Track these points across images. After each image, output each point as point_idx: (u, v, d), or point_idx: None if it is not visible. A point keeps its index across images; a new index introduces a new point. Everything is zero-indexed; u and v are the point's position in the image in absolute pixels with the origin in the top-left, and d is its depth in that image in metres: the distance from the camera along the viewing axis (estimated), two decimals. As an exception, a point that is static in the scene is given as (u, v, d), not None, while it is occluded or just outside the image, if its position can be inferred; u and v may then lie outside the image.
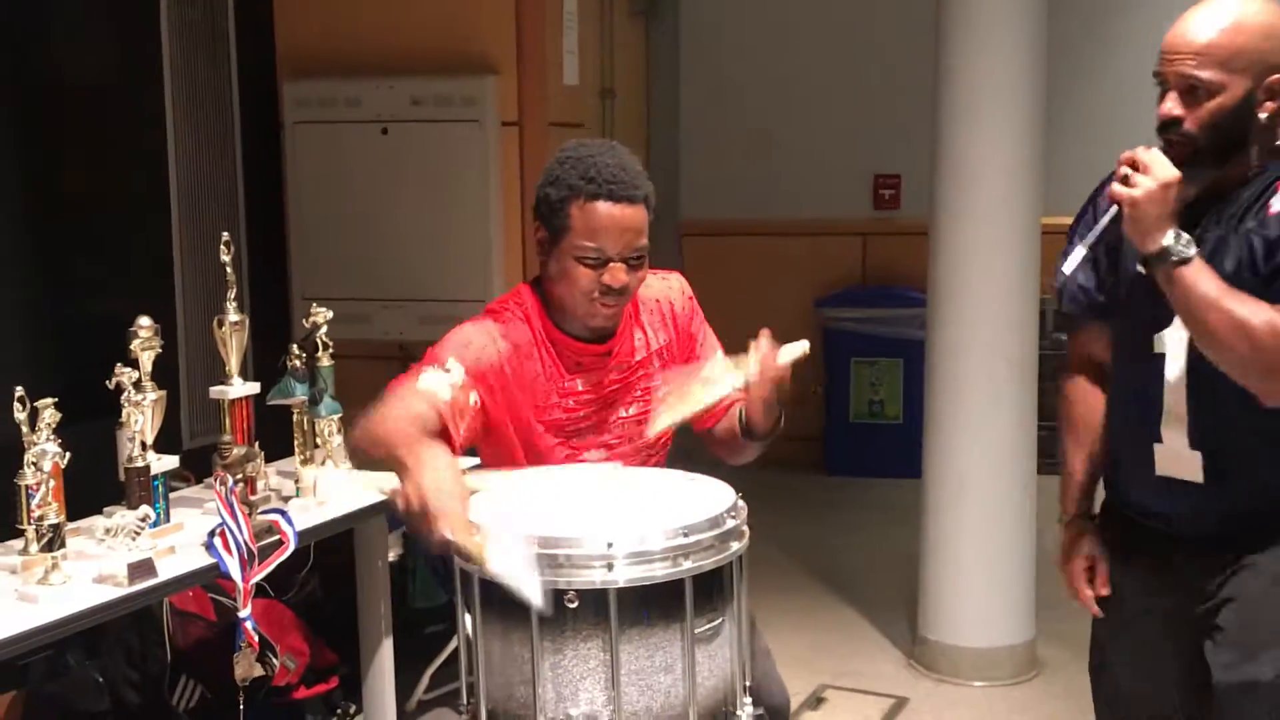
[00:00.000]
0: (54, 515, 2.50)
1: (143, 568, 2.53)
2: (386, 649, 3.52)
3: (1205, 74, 2.12)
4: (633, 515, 2.02)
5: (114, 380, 2.68)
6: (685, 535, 1.90)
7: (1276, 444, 2.17)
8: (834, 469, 6.80)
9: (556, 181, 2.29)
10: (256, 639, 2.76)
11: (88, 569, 2.55)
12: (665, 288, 2.57)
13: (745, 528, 2.02)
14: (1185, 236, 2.07)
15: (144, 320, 2.78)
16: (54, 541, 2.49)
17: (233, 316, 3.00)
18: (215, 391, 2.99)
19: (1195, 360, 2.16)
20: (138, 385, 2.71)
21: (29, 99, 4.09)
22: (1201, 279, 2.05)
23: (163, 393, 2.79)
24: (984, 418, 4.20)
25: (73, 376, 3.02)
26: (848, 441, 6.79)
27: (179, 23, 4.47)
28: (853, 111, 6.89)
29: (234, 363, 3.00)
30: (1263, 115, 2.13)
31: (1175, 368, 2.20)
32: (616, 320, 2.39)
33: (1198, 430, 2.20)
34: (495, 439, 2.35)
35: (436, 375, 2.24)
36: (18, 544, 2.56)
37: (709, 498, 2.05)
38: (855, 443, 6.77)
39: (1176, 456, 2.22)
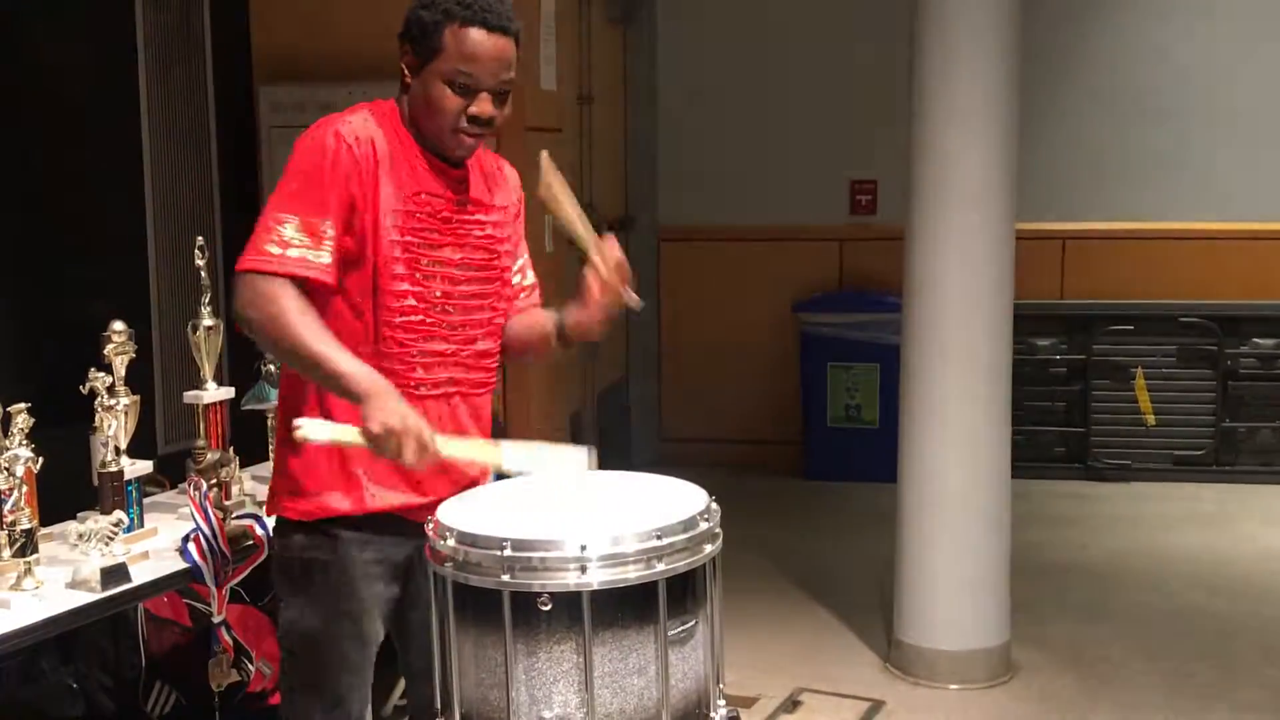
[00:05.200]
0: (27, 520, 2.50)
1: (116, 573, 2.53)
2: (362, 654, 3.51)
3: None
4: (606, 517, 2.03)
5: (88, 385, 2.68)
6: (659, 538, 1.91)
7: None
8: (812, 473, 6.82)
9: (431, 5, 2.26)
10: (232, 644, 2.77)
11: (61, 574, 2.55)
12: (512, 173, 2.55)
13: (719, 530, 2.03)
14: None
15: (118, 325, 2.77)
16: (27, 547, 2.49)
17: (207, 321, 3.00)
18: (189, 396, 2.99)
19: None
20: (111, 390, 2.70)
21: (2, 105, 4.08)
22: None
23: (136, 398, 2.79)
24: (959, 422, 4.22)
25: (46, 381, 3.01)
26: (825, 446, 6.80)
27: (154, 28, 4.46)
28: (829, 117, 6.91)
29: (208, 368, 3.00)
30: None
31: None
32: (472, 152, 2.36)
33: None
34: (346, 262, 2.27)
35: (311, 249, 2.19)
36: (-10, 549, 2.55)
37: (682, 500, 2.06)
38: (833, 447, 6.78)
39: None
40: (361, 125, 2.28)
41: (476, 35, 2.25)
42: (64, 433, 2.76)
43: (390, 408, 2.08)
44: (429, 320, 2.32)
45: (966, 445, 4.23)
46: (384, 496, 2.30)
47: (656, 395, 7.28)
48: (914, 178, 4.26)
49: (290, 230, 2.19)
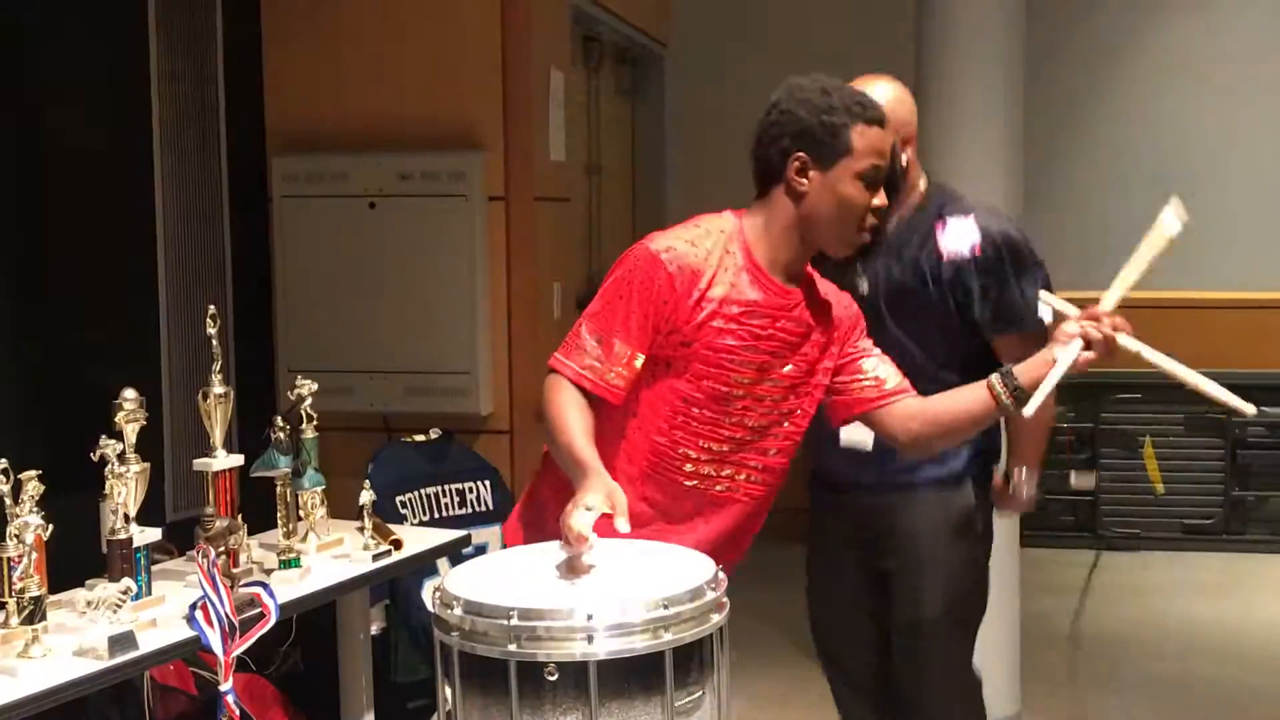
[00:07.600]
0: (35, 588, 2.50)
1: (124, 641, 2.52)
2: (368, 723, 3.50)
3: None
4: (613, 587, 2.03)
5: (98, 452, 2.69)
6: (666, 607, 1.91)
7: None
8: (820, 542, 6.78)
9: (832, 110, 2.43)
10: (238, 713, 2.75)
11: (68, 642, 2.54)
12: (839, 293, 2.67)
13: (725, 599, 2.03)
14: None
15: (129, 392, 2.79)
16: (35, 614, 2.49)
17: (218, 389, 3.01)
18: (199, 463, 2.99)
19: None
20: (121, 457, 2.71)
21: (17, 170, 4.13)
22: None
23: (146, 465, 2.80)
24: (967, 490, 4.20)
25: (57, 448, 3.02)
26: (833, 514, 6.77)
27: (169, 97, 4.52)
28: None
29: (218, 435, 3.01)
30: (904, 157, 2.94)
31: None
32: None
33: None
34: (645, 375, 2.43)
35: (603, 366, 2.37)
36: (-2, 616, 2.55)
37: (689, 570, 2.06)
38: (841, 515, 6.75)
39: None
40: (687, 250, 2.44)
41: (877, 132, 2.45)
42: (74, 499, 2.76)
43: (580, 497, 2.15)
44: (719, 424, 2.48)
45: (975, 514, 4.21)
46: None
47: (664, 463, 7.27)
48: (920, 247, 4.28)
49: (590, 344, 2.40)
